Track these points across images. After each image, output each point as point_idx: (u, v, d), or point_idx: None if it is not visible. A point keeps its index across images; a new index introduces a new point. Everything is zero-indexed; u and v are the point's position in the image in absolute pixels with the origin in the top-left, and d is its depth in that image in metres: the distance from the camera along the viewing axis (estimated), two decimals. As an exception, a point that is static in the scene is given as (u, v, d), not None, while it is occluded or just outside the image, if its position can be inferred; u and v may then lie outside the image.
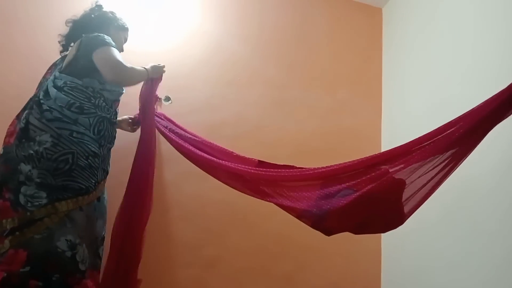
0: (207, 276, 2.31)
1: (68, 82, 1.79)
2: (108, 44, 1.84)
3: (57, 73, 1.83)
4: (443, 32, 2.14)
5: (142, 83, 2.12)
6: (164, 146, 2.30)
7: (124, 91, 2.02)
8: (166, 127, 2.09)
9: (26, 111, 1.75)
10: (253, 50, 2.67)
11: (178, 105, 2.33)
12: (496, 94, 1.20)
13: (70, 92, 1.78)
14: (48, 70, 1.96)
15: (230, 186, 1.77)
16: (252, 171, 1.65)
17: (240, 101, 2.57)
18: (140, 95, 2.15)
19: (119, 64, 1.82)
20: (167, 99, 2.27)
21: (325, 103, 2.67)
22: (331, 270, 2.39)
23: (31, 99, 1.82)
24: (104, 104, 1.88)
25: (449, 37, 2.08)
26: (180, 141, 1.98)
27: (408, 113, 2.39)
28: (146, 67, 2.06)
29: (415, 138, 1.35)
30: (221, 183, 1.89)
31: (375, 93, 2.77)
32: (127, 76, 1.91)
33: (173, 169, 2.39)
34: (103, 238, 1.86)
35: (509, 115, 1.27)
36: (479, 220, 1.68)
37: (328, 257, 2.39)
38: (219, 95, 2.55)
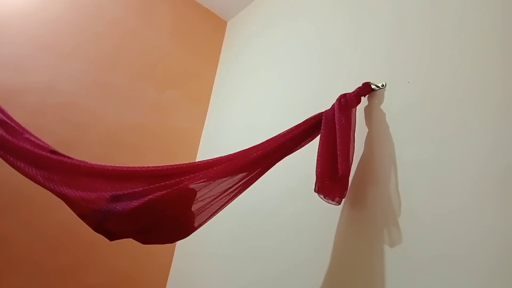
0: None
1: None
2: None
3: None
4: (269, 63, 2.32)
5: None
6: None
7: None
8: None
9: None
10: (83, 18, 2.41)
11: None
12: (289, 129, 1.32)
13: None
14: None
15: (18, 170, 1.48)
16: (44, 154, 1.43)
17: (54, 70, 2.27)
18: None
19: None
20: None
21: (151, 97, 2.57)
22: (113, 270, 2.26)
23: None
24: None
25: (272, 69, 2.26)
26: None
27: (227, 128, 2.49)
28: None
29: (228, 151, 1.42)
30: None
31: (203, 101, 2.81)
32: None
33: None
34: None
35: (298, 148, 1.42)
36: (255, 242, 1.84)
37: (112, 256, 2.25)
38: (30, 57, 2.21)
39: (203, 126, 2.77)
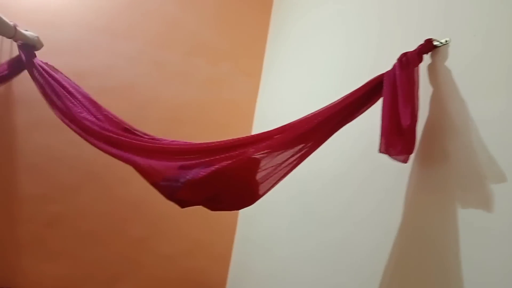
0: (48, 234, 2.14)
1: None
2: None
3: None
4: (322, 27, 2.25)
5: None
6: (17, 87, 2.02)
7: None
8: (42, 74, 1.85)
9: None
10: (134, 0, 2.47)
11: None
12: (348, 94, 1.30)
13: None
14: None
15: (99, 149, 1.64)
16: (117, 136, 1.57)
17: (113, 53, 2.38)
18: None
19: None
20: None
21: (205, 72, 2.63)
22: (185, 238, 2.42)
23: None
24: None
25: (326, 32, 2.19)
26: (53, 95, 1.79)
27: (280, 96, 2.49)
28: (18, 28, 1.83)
29: (283, 121, 1.41)
30: (77, 137, 1.74)
31: (255, 72, 2.82)
32: None
33: (24, 114, 2.12)
34: None
35: (360, 114, 1.40)
36: (318, 207, 1.86)
37: (183, 226, 2.40)
38: (90, 41, 2.33)
39: (256, 97, 2.79)
